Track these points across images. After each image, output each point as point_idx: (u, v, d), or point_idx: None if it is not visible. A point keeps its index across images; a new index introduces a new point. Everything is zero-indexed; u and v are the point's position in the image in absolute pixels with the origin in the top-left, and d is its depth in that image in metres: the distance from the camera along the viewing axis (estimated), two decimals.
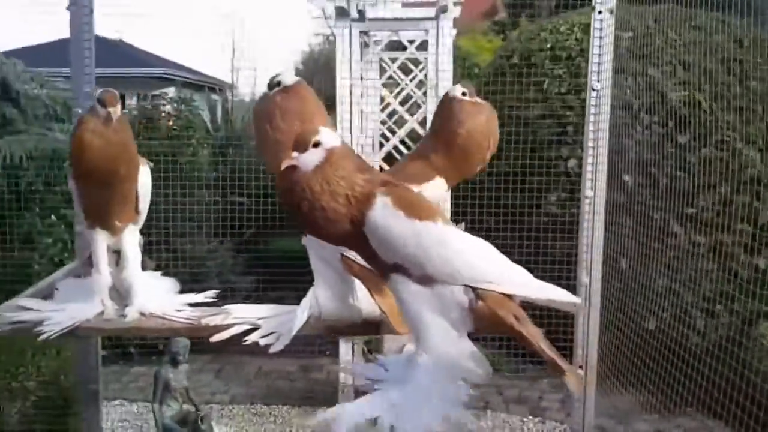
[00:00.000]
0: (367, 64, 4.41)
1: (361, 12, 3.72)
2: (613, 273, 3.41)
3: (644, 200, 4.17)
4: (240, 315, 1.60)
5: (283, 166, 1.17)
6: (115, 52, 12.19)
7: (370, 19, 3.81)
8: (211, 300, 1.74)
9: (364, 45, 4.31)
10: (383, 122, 4.61)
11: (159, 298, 1.66)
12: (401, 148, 4.26)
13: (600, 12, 2.30)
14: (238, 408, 4.71)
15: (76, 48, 2.34)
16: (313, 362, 5.25)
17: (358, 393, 1.33)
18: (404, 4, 4.34)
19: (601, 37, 2.31)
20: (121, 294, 1.66)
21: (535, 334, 1.17)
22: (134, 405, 4.69)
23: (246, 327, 1.57)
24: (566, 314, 2.13)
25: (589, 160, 2.34)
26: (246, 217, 5.20)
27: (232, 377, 5.17)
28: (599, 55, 2.32)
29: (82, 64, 2.35)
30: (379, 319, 1.55)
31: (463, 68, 7.29)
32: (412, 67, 4.61)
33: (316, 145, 1.18)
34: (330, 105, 2.92)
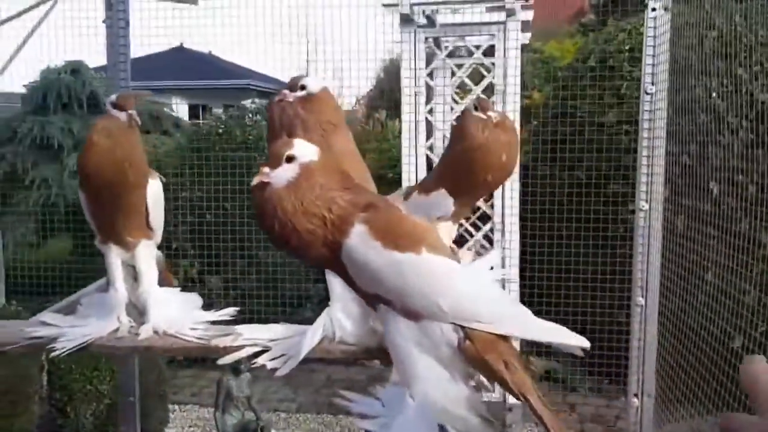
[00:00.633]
0: (435, 71, 4.34)
1: (429, 18, 3.67)
2: (699, 286, 3.17)
3: (730, 210, 3.85)
4: (250, 336, 1.55)
5: (254, 183, 1.09)
6: (203, 64, 12.80)
7: (441, 25, 3.76)
8: (231, 318, 1.71)
9: (431, 52, 4.24)
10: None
11: (174, 315, 1.63)
12: None
13: (654, 9, 2.10)
14: (305, 417, 4.75)
15: (112, 60, 2.40)
16: (382, 372, 5.20)
17: None
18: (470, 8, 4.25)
19: (655, 36, 2.11)
20: (139, 311, 1.67)
21: (522, 384, 1.02)
22: (205, 410, 4.80)
23: (256, 349, 1.53)
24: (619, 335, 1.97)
25: (644, 170, 2.16)
26: None
27: (301, 385, 5.20)
28: (653, 56, 2.12)
29: (118, 77, 2.40)
30: None
31: (548, 72, 7.05)
32: (484, 72, 4.50)
33: (290, 159, 1.08)
34: None
